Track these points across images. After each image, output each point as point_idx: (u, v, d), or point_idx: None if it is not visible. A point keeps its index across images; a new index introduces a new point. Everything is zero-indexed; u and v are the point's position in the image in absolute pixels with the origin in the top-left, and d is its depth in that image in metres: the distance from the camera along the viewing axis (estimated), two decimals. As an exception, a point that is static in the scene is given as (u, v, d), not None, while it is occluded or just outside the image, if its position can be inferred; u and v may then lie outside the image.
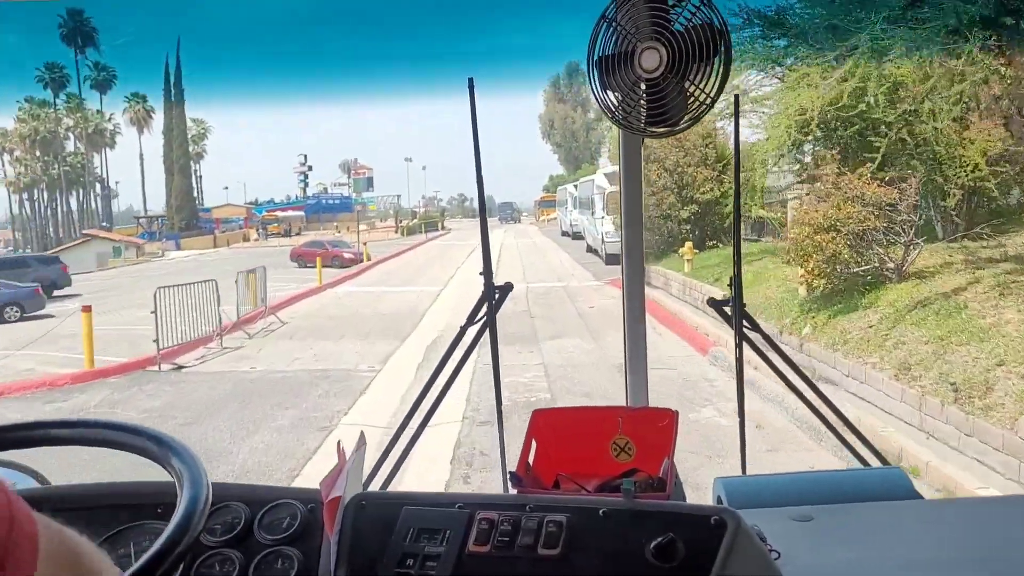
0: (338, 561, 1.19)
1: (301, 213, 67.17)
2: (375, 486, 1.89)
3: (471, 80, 2.09)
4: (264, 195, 78.59)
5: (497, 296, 2.15)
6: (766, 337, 2.27)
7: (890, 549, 1.28)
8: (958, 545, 1.31)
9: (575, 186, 37.66)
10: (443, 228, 63.08)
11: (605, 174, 26.36)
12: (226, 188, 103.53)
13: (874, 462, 2.11)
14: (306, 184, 77.72)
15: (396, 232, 56.10)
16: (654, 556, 1.09)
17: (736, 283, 2.21)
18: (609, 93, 1.76)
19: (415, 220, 63.64)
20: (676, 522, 1.13)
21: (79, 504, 1.36)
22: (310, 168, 79.16)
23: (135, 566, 0.93)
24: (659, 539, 1.09)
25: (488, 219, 2.28)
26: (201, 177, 72.46)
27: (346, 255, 30.01)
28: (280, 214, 65.82)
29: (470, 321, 2.17)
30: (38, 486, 1.61)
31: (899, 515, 1.45)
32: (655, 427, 1.61)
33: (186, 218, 57.74)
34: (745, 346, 2.19)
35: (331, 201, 73.40)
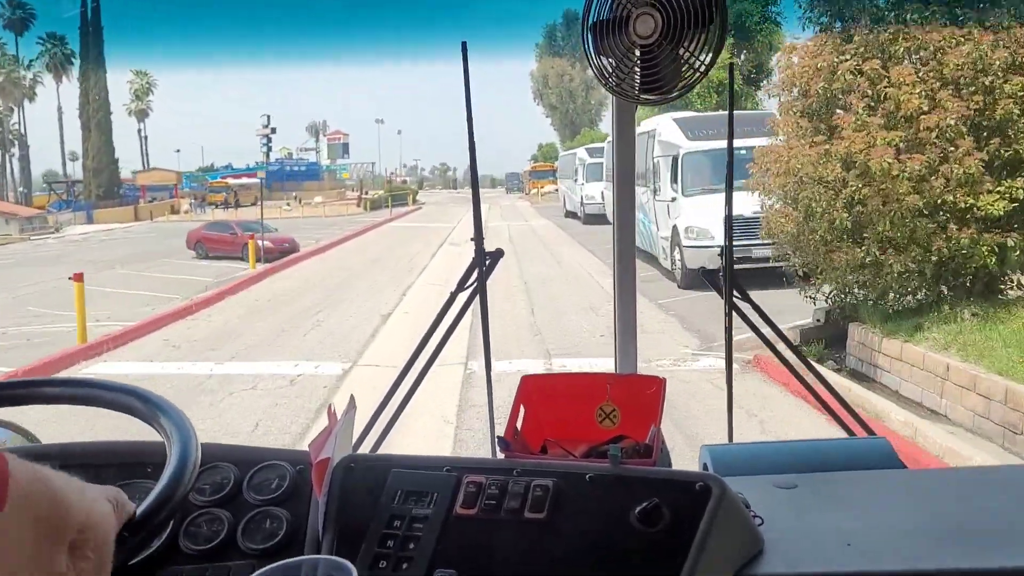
0: (326, 522, 1.20)
1: (258, 180, 56.26)
2: (364, 449, 1.90)
3: (464, 44, 2.07)
4: (223, 160, 71.67)
5: (488, 262, 2.16)
6: (756, 307, 2.28)
7: (873, 517, 1.30)
8: (941, 514, 1.33)
9: (588, 151, 28.54)
10: (414, 203, 51.74)
11: (677, 120, 15.44)
12: (178, 151, 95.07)
13: (860, 432, 2.13)
14: (269, 148, 69.23)
15: (359, 206, 46.67)
16: (639, 520, 1.10)
17: (727, 251, 2.21)
18: (603, 59, 1.75)
19: (382, 192, 52.71)
20: (661, 488, 1.14)
21: (67, 462, 1.36)
22: (273, 130, 70.44)
23: (159, 487, 0.94)
24: (644, 504, 1.11)
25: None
26: (147, 138, 65.74)
27: (262, 243, 21.04)
28: (232, 181, 55.59)
29: (460, 287, 2.17)
30: (28, 444, 1.61)
31: (883, 484, 1.46)
32: (643, 394, 1.62)
33: (105, 184, 47.05)
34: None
35: (296, 168, 65.10)
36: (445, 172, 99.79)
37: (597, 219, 24.85)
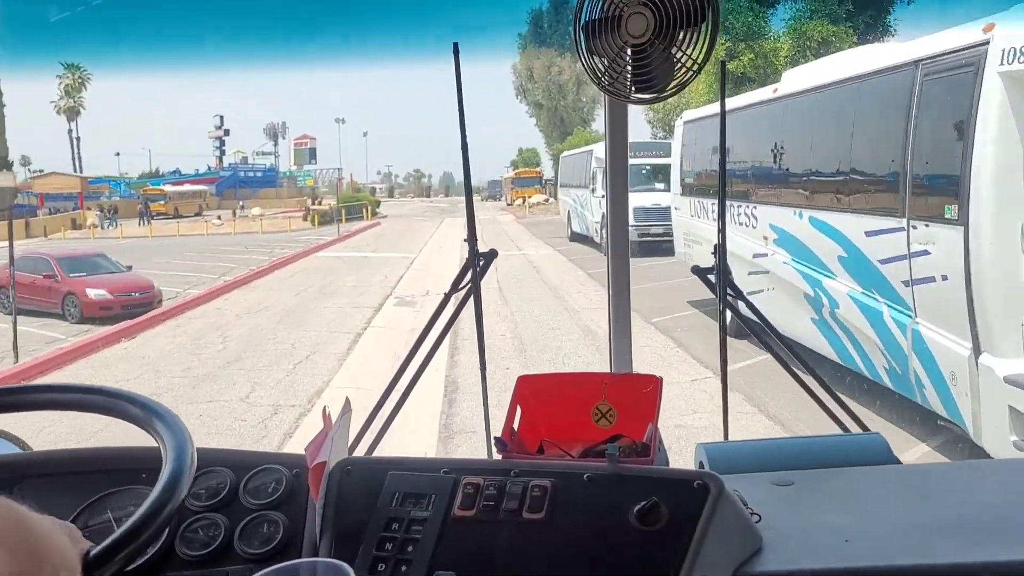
0: (323, 525, 1.20)
1: (204, 188, 50.03)
2: (360, 452, 1.90)
3: (456, 45, 2.07)
4: (172, 164, 64.42)
5: (482, 263, 2.16)
6: (749, 304, 2.28)
7: (869, 513, 1.30)
8: (935, 509, 1.34)
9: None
10: (372, 217, 40.18)
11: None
12: (118, 155, 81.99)
13: (854, 428, 2.14)
14: (222, 152, 62.58)
15: (306, 219, 36.52)
16: (637, 519, 1.10)
17: (720, 250, 2.22)
18: (595, 59, 1.75)
19: (336, 203, 40.05)
20: (659, 486, 1.14)
21: (61, 469, 1.36)
22: (227, 132, 63.93)
23: (122, 530, 0.93)
24: (642, 503, 1.11)
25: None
26: (79, 139, 57.75)
27: (92, 294, 14.23)
28: (170, 189, 47.32)
29: (454, 288, 2.17)
30: (19, 451, 1.60)
31: (878, 480, 1.47)
32: (639, 393, 1.62)
33: (-9, 191, 39.05)
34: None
35: (250, 173, 57.64)
36: (420, 179, 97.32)
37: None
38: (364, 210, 40.56)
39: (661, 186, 18.50)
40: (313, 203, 41.92)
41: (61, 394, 1.18)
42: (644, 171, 19.64)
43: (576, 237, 23.42)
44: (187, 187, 49.54)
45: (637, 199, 17.50)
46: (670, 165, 17.74)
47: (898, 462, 1.58)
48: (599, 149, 19.95)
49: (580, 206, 22.85)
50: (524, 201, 41.91)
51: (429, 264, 20.23)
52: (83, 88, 56.40)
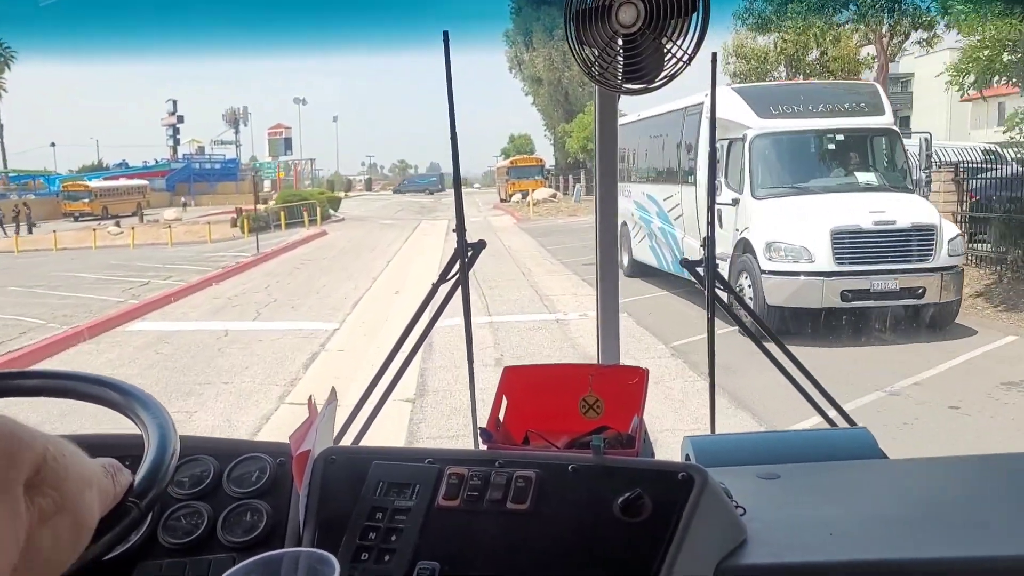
0: (307, 514, 1.19)
1: (143, 182, 41.12)
2: (346, 442, 1.89)
3: (446, 33, 2.06)
4: (119, 156, 56.96)
5: (470, 253, 2.15)
6: (738, 298, 2.28)
7: (854, 506, 1.31)
8: (921, 503, 1.34)
9: (755, 96, 9.63)
10: (321, 221, 28.86)
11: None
12: (53, 145, 67.52)
13: (841, 423, 2.15)
14: (176, 141, 55.63)
15: (235, 226, 26.42)
16: (621, 511, 1.10)
17: (709, 243, 2.22)
18: (586, 49, 1.74)
19: (273, 204, 30.30)
20: (644, 478, 1.14)
21: None
22: (180, 119, 56.78)
23: (147, 463, 0.93)
24: (627, 494, 1.10)
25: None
26: (2, 126, 49.27)
27: None
28: (97, 184, 38.10)
29: (443, 278, 2.17)
30: None
31: (864, 474, 1.47)
32: (625, 385, 1.62)
33: None
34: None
35: (207, 165, 50.98)
36: (404, 169, 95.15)
37: (847, 330, 8.28)
38: (307, 212, 28.82)
39: (870, 178, 9.60)
40: (257, 200, 29.09)
41: (41, 380, 1.16)
42: (832, 145, 9.97)
43: (639, 270, 12.70)
44: (121, 182, 40.27)
45: (833, 212, 8.58)
46: (889, 134, 9.23)
47: (884, 456, 1.59)
48: (729, 99, 9.92)
49: (664, 220, 11.81)
50: (525, 197, 32.64)
51: (351, 371, 8.28)
52: (6, 68, 45.28)
